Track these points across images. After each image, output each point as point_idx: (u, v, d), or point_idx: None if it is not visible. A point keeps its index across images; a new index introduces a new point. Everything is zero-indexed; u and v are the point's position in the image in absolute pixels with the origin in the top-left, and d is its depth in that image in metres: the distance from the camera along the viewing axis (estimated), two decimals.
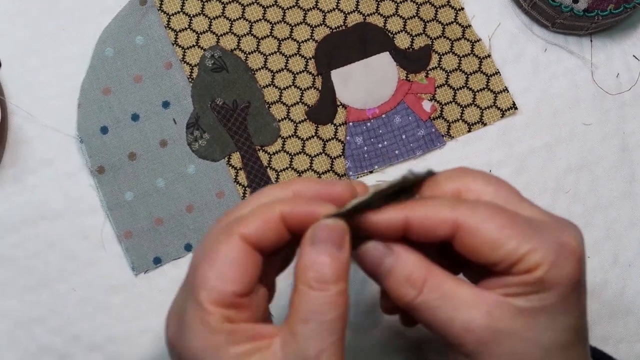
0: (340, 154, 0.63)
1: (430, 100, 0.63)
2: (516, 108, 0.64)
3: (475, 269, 0.43)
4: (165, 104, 0.62)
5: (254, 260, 0.42)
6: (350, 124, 0.63)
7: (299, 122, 0.63)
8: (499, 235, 0.41)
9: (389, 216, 0.42)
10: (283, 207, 0.42)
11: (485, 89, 0.64)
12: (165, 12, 0.63)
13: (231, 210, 0.44)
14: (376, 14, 0.64)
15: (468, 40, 0.64)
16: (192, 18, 0.63)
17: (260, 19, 0.63)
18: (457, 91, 0.64)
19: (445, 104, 0.63)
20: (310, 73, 0.63)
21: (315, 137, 0.63)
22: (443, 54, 0.64)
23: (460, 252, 0.42)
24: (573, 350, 0.42)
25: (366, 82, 0.63)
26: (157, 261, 0.61)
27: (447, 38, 0.64)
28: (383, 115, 0.63)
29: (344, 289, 0.41)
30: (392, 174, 0.63)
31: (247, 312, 0.42)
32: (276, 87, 0.63)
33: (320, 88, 0.63)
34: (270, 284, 0.46)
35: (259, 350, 0.41)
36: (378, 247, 0.43)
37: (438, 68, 0.64)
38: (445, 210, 0.42)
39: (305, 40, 0.63)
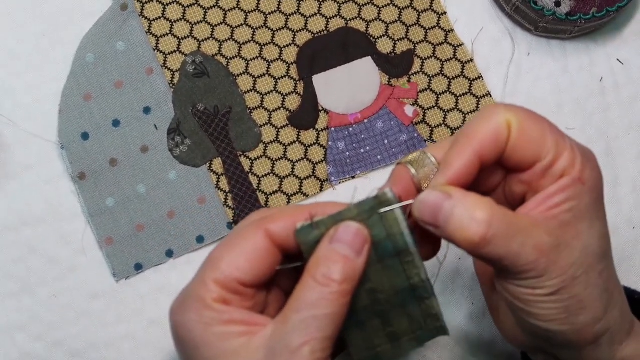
0: (322, 159, 0.62)
1: (413, 105, 0.63)
2: None
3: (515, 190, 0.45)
4: (147, 110, 0.62)
5: (270, 256, 0.43)
6: (332, 129, 0.63)
7: (281, 128, 0.63)
8: (542, 130, 0.43)
9: (464, 160, 0.43)
10: (313, 209, 0.44)
11: (468, 94, 0.63)
12: (146, 18, 0.62)
13: (262, 210, 0.46)
14: (358, 18, 0.64)
15: (450, 44, 0.64)
16: (174, 23, 0.63)
17: (241, 24, 0.63)
18: (439, 96, 0.63)
19: (428, 109, 0.63)
20: (292, 78, 0.63)
21: (297, 143, 0.63)
22: (425, 59, 0.64)
23: (511, 156, 0.43)
24: (609, 258, 0.46)
25: (348, 87, 0.63)
26: (139, 267, 0.61)
27: (430, 42, 0.64)
28: (365, 120, 0.63)
29: (347, 291, 0.42)
30: (374, 179, 0.62)
31: (247, 303, 0.44)
32: (258, 92, 0.63)
33: (302, 93, 0.63)
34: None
35: (247, 333, 0.42)
36: (434, 194, 0.42)
37: (420, 73, 0.63)
38: (495, 116, 0.43)
39: (287, 45, 0.63)
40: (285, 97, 0.63)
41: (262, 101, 0.63)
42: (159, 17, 0.63)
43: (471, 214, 0.41)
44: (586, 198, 0.44)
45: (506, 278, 0.44)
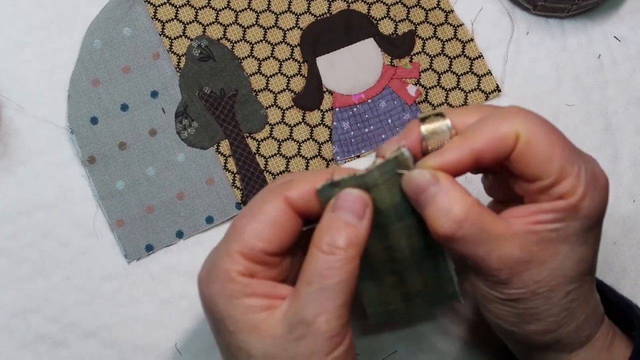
0: (328, 139, 0.64)
1: (415, 84, 0.64)
2: (500, 90, 0.65)
3: (510, 194, 0.46)
4: (154, 94, 0.63)
5: (292, 223, 0.44)
6: (337, 109, 0.64)
7: (286, 109, 0.64)
8: (550, 151, 0.43)
9: (459, 154, 0.43)
10: (334, 172, 0.44)
11: (469, 73, 0.65)
12: (151, 4, 0.63)
13: (285, 175, 0.46)
14: (360, 1, 0.65)
15: (451, 24, 0.65)
16: (179, 9, 0.64)
17: (245, 8, 0.64)
18: (441, 75, 0.65)
19: (430, 88, 0.64)
20: (296, 60, 0.64)
21: (302, 123, 0.64)
22: (427, 39, 0.65)
23: (513, 165, 0.43)
24: (586, 279, 0.46)
25: (351, 68, 0.64)
26: (149, 248, 0.62)
27: (430, 23, 0.65)
28: (369, 100, 0.64)
29: (353, 256, 0.42)
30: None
31: (273, 271, 0.44)
32: (263, 74, 0.64)
33: (306, 75, 0.64)
34: None
35: (269, 307, 0.43)
36: (424, 175, 0.43)
37: (422, 53, 0.65)
38: (507, 124, 0.43)
39: (291, 28, 0.64)
40: (290, 79, 0.64)
41: (267, 83, 0.64)
42: (164, 3, 0.64)
43: (449, 208, 0.42)
44: (576, 224, 0.44)
45: (470, 271, 0.45)
